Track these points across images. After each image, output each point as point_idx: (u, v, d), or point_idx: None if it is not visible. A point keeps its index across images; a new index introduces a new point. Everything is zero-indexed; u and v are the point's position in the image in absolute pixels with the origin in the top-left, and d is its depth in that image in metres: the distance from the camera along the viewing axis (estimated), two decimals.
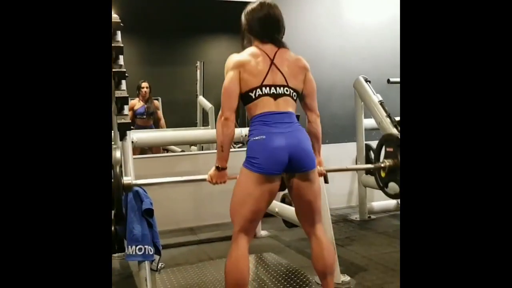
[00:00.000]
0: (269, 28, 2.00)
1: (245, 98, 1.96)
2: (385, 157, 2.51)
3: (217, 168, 2.00)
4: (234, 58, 1.97)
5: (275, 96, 1.95)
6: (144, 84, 5.15)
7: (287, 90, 1.97)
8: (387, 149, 2.56)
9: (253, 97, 1.94)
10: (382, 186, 2.52)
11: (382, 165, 2.42)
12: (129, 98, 2.74)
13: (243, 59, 1.95)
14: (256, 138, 1.90)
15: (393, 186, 2.90)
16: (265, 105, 1.93)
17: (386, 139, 2.59)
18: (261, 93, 1.93)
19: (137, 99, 5.17)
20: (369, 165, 2.55)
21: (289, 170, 1.93)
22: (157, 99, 5.47)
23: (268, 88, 1.94)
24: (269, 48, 1.99)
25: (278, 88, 1.95)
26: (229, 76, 1.93)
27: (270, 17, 2.00)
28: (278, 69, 1.96)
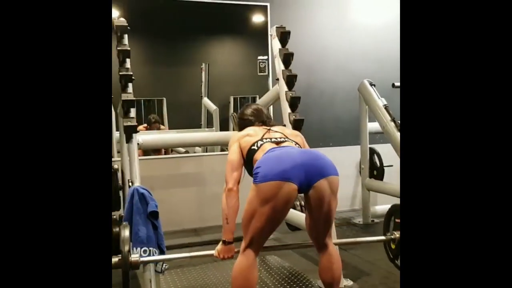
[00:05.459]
0: (259, 115, 2.25)
1: (249, 154, 2.03)
2: (394, 228, 2.44)
3: (224, 242, 2.00)
4: (235, 134, 2.17)
5: (277, 142, 2.05)
6: (155, 125, 4.93)
7: (288, 140, 2.08)
8: (396, 220, 2.50)
9: (256, 148, 2.02)
10: (393, 258, 2.47)
11: (392, 237, 2.38)
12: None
13: (241, 133, 2.14)
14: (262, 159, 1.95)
15: None
16: (269, 147, 2.00)
17: (394, 210, 2.52)
18: (262, 142, 2.04)
19: (145, 126, 4.91)
20: (381, 237, 2.49)
21: (305, 179, 1.84)
22: (163, 125, 5.13)
23: (269, 139, 2.07)
24: (264, 126, 2.19)
25: (279, 139, 2.08)
26: (231, 149, 2.07)
27: (258, 109, 2.29)
28: (276, 132, 2.12)
